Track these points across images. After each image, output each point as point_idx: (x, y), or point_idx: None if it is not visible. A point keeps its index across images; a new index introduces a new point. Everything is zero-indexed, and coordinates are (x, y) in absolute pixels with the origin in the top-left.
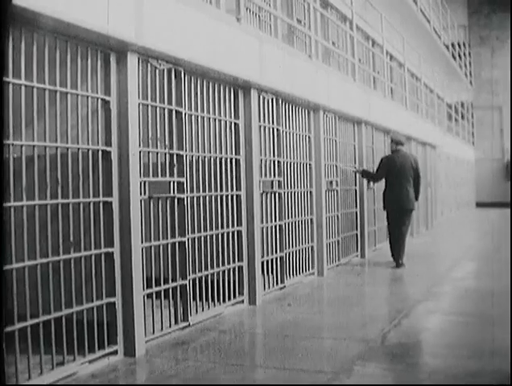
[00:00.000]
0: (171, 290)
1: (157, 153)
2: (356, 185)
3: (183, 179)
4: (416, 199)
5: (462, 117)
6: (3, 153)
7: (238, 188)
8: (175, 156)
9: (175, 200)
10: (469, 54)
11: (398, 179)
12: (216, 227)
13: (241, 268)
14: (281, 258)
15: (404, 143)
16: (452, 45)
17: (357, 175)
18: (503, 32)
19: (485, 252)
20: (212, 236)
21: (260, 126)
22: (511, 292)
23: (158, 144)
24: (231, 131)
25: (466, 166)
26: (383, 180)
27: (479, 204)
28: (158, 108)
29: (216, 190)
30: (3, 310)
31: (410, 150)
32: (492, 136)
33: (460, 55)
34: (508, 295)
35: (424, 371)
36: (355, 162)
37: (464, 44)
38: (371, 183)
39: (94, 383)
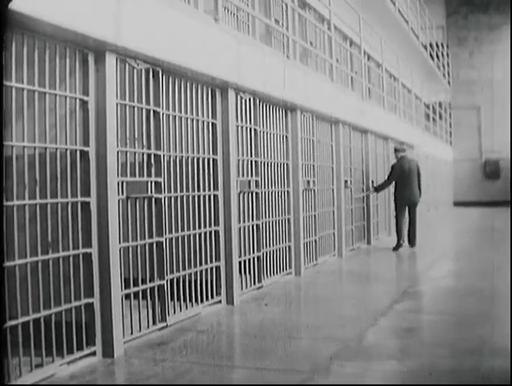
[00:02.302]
0: (148, 291)
1: (135, 153)
2: (333, 184)
3: (160, 179)
4: (420, 193)
5: (440, 117)
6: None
7: (216, 188)
8: (152, 156)
9: (153, 200)
10: (447, 54)
11: (407, 181)
12: (194, 227)
13: (218, 268)
14: (258, 258)
15: (406, 150)
16: (430, 45)
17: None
18: (481, 33)
19: (464, 251)
20: (189, 236)
21: (237, 126)
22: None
23: (136, 144)
24: (208, 131)
25: (444, 166)
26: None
27: (457, 203)
28: (136, 108)
29: (193, 190)
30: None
31: (388, 150)
32: (470, 136)
33: (438, 56)
34: (485, 294)
35: (402, 370)
36: (332, 162)
37: (442, 45)
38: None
39: (73, 384)
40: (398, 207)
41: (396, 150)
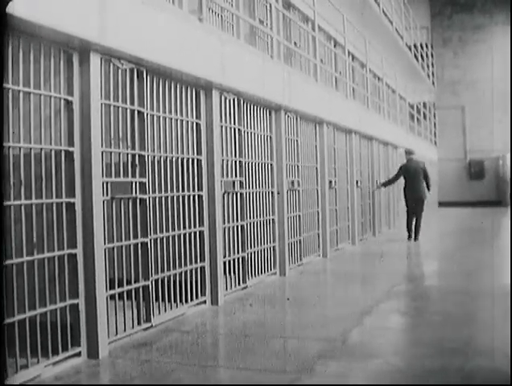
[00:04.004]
0: (133, 291)
1: (119, 154)
2: (317, 185)
3: (145, 180)
4: (429, 190)
5: (424, 117)
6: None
7: (200, 188)
8: (137, 156)
9: (137, 201)
10: (432, 55)
11: (412, 179)
12: (179, 228)
13: (203, 269)
14: (243, 258)
15: (414, 153)
16: (415, 46)
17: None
18: (465, 33)
19: (449, 252)
20: (174, 237)
21: (221, 126)
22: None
23: (121, 144)
24: (193, 131)
25: (429, 166)
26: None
27: (442, 203)
28: (120, 109)
29: (178, 190)
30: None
31: (372, 150)
32: (454, 136)
33: (422, 56)
34: (470, 295)
35: (386, 370)
36: (316, 163)
37: (426, 45)
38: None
39: (58, 385)
40: (406, 203)
41: (406, 153)
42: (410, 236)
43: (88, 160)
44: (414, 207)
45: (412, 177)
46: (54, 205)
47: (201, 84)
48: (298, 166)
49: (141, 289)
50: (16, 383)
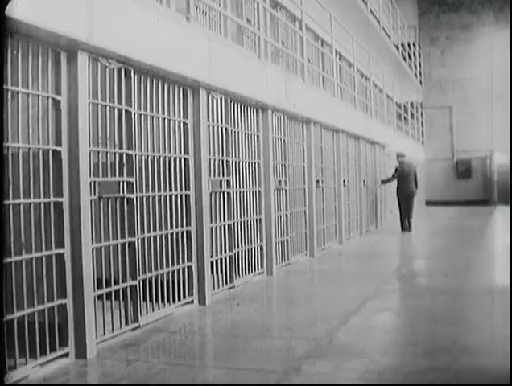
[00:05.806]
0: (121, 291)
1: (106, 153)
2: (304, 184)
3: (132, 179)
4: (416, 187)
5: (412, 116)
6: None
7: (187, 188)
8: (124, 156)
9: (125, 200)
10: (419, 54)
11: (405, 179)
12: (166, 228)
13: (190, 269)
14: (230, 258)
15: (405, 155)
16: (402, 45)
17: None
18: (453, 33)
19: (437, 251)
20: (161, 236)
21: (209, 126)
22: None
23: (108, 143)
24: (180, 130)
25: (419, 168)
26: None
27: (429, 203)
28: (108, 108)
29: (165, 189)
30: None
31: (360, 150)
32: (442, 135)
33: (410, 56)
34: (457, 293)
35: (373, 369)
36: (303, 162)
37: (414, 44)
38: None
39: (45, 385)
40: (399, 199)
41: (398, 156)
42: (403, 229)
43: (76, 159)
44: (406, 202)
45: (406, 178)
46: (42, 205)
47: (188, 84)
48: (285, 166)
49: (128, 289)
50: (5, 384)
